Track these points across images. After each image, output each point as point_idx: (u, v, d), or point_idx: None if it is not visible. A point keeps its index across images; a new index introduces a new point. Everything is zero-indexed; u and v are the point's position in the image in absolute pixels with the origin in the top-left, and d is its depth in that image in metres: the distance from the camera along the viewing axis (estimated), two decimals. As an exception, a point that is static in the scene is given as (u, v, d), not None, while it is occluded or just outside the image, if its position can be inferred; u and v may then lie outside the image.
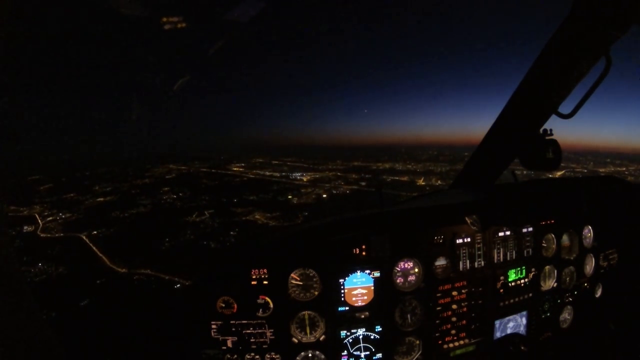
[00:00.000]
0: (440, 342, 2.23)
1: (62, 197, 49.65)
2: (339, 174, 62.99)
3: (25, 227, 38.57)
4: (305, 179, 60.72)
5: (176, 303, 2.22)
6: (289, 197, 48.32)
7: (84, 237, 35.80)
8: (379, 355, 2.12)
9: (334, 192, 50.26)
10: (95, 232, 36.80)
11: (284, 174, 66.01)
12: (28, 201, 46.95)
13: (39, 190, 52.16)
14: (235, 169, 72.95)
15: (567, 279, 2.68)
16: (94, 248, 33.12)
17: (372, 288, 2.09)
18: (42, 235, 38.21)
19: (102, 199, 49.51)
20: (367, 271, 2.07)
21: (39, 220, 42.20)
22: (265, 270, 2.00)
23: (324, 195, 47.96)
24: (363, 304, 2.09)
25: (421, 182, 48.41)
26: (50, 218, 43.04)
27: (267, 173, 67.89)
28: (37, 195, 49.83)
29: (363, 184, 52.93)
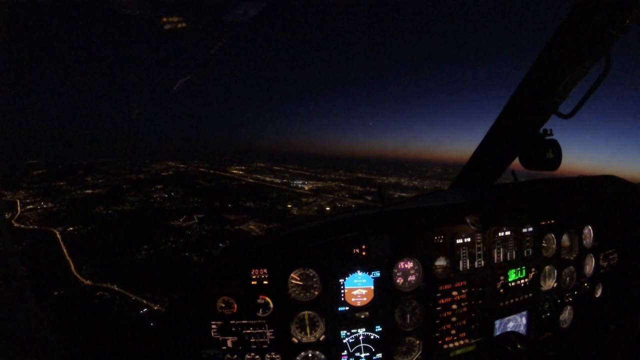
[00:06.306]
0: (440, 342, 2.22)
1: (51, 185, 47.12)
2: (342, 184, 60.95)
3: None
4: (306, 188, 58.77)
5: (175, 305, 2.18)
6: (289, 206, 45.69)
7: (58, 233, 32.44)
8: (379, 355, 2.11)
9: (338, 204, 47.28)
10: (71, 229, 33.62)
11: (285, 180, 64.03)
12: (15, 185, 44.25)
13: (31, 175, 49.77)
14: (234, 171, 70.84)
15: (567, 279, 2.69)
16: (64, 248, 29.66)
17: (372, 288, 2.08)
18: (15, 224, 34.92)
19: (90, 191, 46.64)
20: (367, 271, 2.06)
21: (18, 208, 39.20)
22: (265, 270, 1.98)
23: (327, 208, 44.84)
24: (363, 304, 2.07)
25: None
26: (31, 206, 40.27)
27: (268, 179, 65.89)
28: (27, 179, 47.29)
29: (369, 198, 50.04)
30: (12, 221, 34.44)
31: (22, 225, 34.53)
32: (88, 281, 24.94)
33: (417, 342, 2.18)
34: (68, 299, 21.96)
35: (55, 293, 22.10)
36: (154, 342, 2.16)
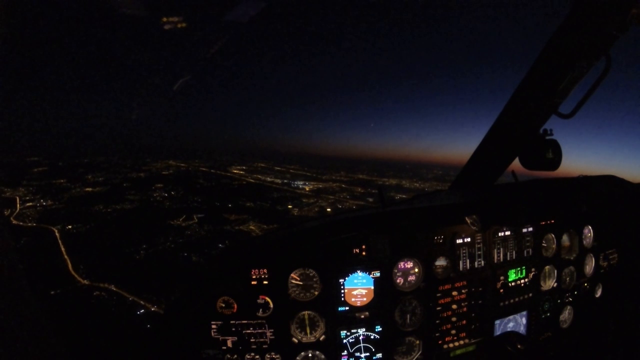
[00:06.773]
0: (440, 342, 2.22)
1: (51, 182, 47.06)
2: (343, 185, 60.83)
3: (-1, 211, 35.04)
4: (307, 189, 58.65)
5: (176, 303, 2.17)
6: (289, 206, 45.55)
7: (56, 232, 32.31)
8: (379, 355, 2.11)
9: (339, 206, 47.15)
10: (69, 227, 33.42)
11: (285, 181, 63.75)
12: (16, 182, 44.27)
13: (32, 172, 49.78)
14: (235, 171, 70.69)
15: (567, 279, 2.69)
16: (62, 247, 29.53)
17: (372, 288, 2.08)
18: (14, 222, 34.83)
19: (90, 189, 46.59)
20: (367, 271, 2.06)
21: (18, 205, 39.13)
22: (265, 270, 1.99)
23: (328, 209, 44.70)
24: (363, 304, 2.08)
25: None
26: (30, 204, 40.20)
27: (268, 179, 65.73)
28: (28, 176, 47.27)
29: (370, 199, 49.94)
30: (11, 218, 34.37)
31: (21, 223, 34.42)
32: (85, 280, 24.76)
33: (417, 342, 2.18)
34: (64, 298, 21.76)
35: (52, 292, 21.85)
36: (153, 342, 2.15)
